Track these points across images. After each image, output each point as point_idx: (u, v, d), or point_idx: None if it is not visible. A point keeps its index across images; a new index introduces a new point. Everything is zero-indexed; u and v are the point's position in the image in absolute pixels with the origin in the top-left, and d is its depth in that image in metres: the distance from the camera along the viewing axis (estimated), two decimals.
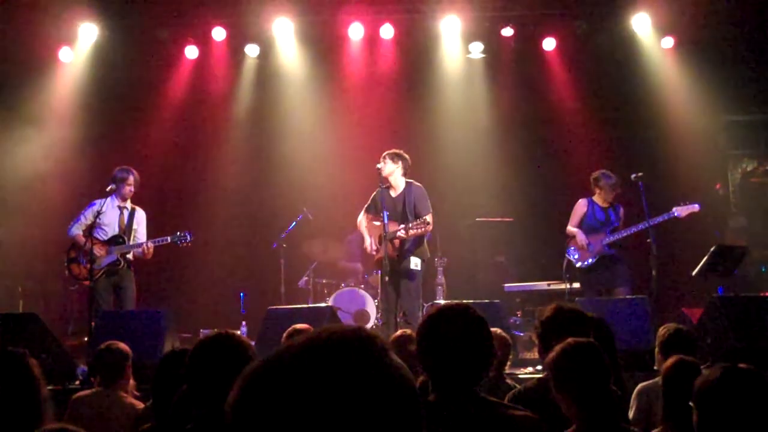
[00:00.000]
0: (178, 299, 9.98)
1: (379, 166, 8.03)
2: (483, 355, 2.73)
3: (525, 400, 3.45)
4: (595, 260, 8.51)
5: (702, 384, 2.69)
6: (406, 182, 8.22)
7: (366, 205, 8.42)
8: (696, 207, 8.21)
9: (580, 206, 8.78)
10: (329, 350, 1.07)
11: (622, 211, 8.68)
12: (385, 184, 8.13)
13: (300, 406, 1.02)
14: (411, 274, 8.03)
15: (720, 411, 2.64)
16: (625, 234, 8.38)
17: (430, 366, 2.73)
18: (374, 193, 8.35)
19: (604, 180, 8.62)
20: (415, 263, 8.04)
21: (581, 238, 8.57)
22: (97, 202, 8.41)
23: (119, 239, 8.47)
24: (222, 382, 2.64)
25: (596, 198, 8.73)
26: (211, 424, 2.65)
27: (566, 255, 8.73)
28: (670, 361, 3.63)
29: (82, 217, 8.48)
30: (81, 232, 8.41)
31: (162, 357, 3.58)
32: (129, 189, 8.54)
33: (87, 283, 8.11)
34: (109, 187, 8.36)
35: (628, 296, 7.98)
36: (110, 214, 8.47)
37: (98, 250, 8.22)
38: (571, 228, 8.77)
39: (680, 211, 8.20)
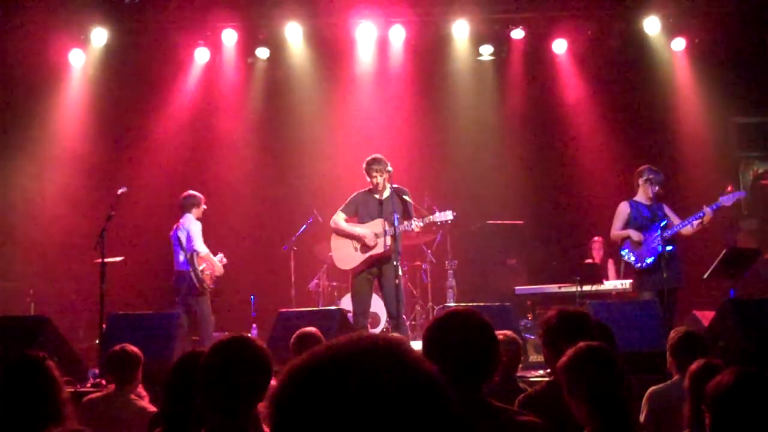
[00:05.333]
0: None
1: (389, 169, 7.91)
2: (488, 360, 2.73)
3: (535, 404, 3.45)
4: (654, 259, 7.89)
5: (716, 388, 2.68)
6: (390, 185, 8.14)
7: (343, 206, 8.15)
8: (743, 194, 7.88)
9: (623, 209, 8.20)
10: (372, 356, 1.17)
11: (666, 207, 8.13)
12: (381, 187, 7.98)
13: (343, 410, 1.11)
14: (401, 278, 8.02)
15: (734, 415, 2.62)
16: (680, 227, 7.86)
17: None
18: (353, 195, 8.17)
19: (650, 174, 8.09)
20: (400, 268, 8.03)
21: (635, 234, 8.00)
22: (194, 220, 8.79)
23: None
24: (238, 386, 2.64)
25: (639, 197, 8.19)
26: (225, 428, 2.65)
27: (622, 257, 8.23)
28: (695, 365, 3.61)
29: (200, 236, 8.77)
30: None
31: (177, 359, 3.57)
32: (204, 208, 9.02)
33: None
34: (201, 208, 8.88)
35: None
36: None
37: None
38: (617, 232, 8.19)
39: (726, 200, 7.80)
